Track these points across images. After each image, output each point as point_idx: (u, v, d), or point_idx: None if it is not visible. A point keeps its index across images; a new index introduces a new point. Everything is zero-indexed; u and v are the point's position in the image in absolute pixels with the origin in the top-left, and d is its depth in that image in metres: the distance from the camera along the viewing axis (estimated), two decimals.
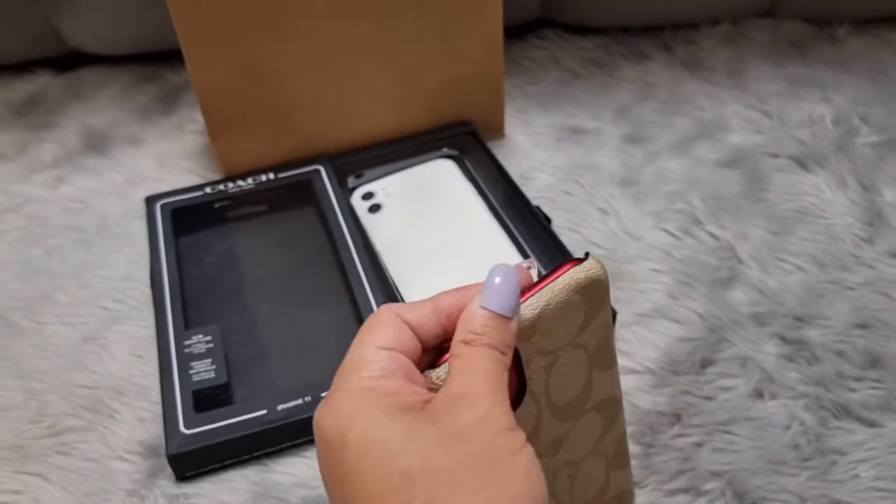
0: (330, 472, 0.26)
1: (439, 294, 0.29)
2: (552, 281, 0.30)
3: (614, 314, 0.54)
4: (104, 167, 0.70)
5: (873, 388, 0.50)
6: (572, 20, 0.84)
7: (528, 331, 0.29)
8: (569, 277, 0.30)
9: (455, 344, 0.27)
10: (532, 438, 0.29)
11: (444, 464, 0.24)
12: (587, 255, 0.31)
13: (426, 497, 0.23)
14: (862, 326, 0.54)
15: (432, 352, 0.30)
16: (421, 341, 0.28)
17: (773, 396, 0.50)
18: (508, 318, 0.27)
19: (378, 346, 0.27)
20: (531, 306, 0.29)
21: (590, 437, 0.35)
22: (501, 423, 0.25)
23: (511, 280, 0.28)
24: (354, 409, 0.26)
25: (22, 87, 0.80)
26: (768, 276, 0.58)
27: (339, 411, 0.26)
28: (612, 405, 0.36)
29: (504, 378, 0.27)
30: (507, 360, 0.27)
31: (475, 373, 0.26)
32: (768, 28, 0.83)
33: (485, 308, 0.27)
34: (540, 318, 0.30)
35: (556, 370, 0.31)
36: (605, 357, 0.34)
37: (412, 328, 0.28)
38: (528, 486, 0.24)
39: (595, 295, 0.31)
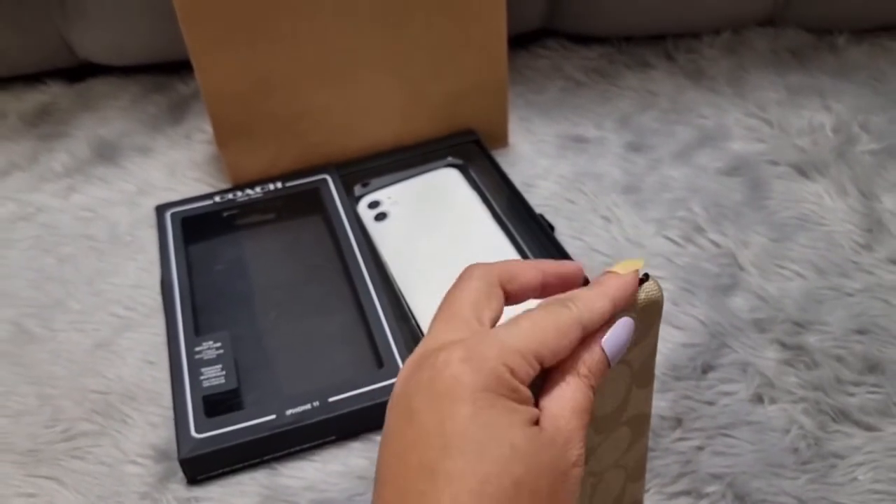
0: (434, 414, 0.25)
1: (585, 303, 0.29)
2: None
3: None
4: (115, 176, 0.71)
5: (872, 392, 0.51)
6: (575, 30, 0.85)
7: None
8: None
9: (569, 371, 0.28)
10: None
11: (534, 485, 0.25)
12: (647, 276, 0.32)
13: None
14: (861, 332, 0.55)
15: None
16: (549, 361, 0.28)
17: (773, 401, 0.51)
18: (609, 367, 0.29)
19: (535, 353, 0.27)
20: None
21: (617, 449, 0.36)
22: (581, 472, 0.27)
23: (630, 333, 0.29)
24: (492, 399, 0.25)
25: (34, 97, 0.81)
26: (769, 282, 0.59)
27: (428, 405, 0.26)
28: (642, 421, 0.36)
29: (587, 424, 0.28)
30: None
31: (579, 408, 0.27)
32: (769, 37, 0.84)
33: (604, 351, 0.28)
34: None
35: (603, 381, 0.32)
36: (645, 375, 0.34)
37: (503, 285, 0.30)
38: None
39: (649, 316, 0.32)
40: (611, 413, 0.34)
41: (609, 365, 0.29)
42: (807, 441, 0.49)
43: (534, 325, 0.28)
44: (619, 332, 0.29)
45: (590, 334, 0.29)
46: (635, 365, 0.33)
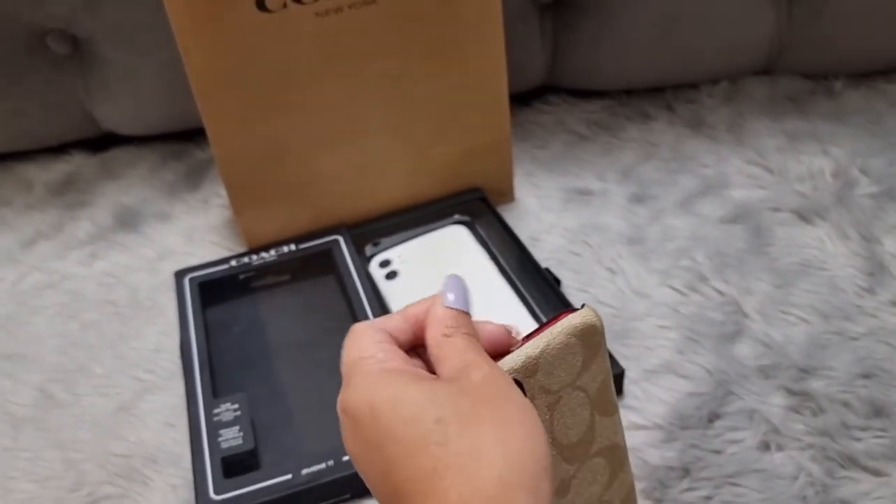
0: (362, 444, 0.29)
1: (406, 307, 0.34)
2: (552, 326, 0.34)
3: (622, 372, 0.56)
4: (136, 243, 0.74)
5: (878, 437, 0.51)
6: (576, 85, 0.88)
7: (531, 368, 0.33)
8: (567, 322, 0.34)
9: (434, 340, 0.32)
10: None
11: (468, 406, 0.28)
12: (583, 305, 0.35)
13: (458, 432, 0.27)
14: (866, 376, 0.55)
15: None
16: (398, 346, 0.33)
17: (780, 448, 0.52)
18: (468, 314, 0.33)
19: (372, 341, 0.32)
20: (533, 346, 0.33)
21: (596, 483, 0.37)
22: (505, 378, 0.30)
23: (462, 283, 0.34)
24: (377, 384, 0.30)
25: (59, 167, 0.85)
26: (773, 328, 0.60)
27: (362, 389, 0.30)
28: (618, 453, 0.37)
29: (486, 355, 0.32)
30: (480, 344, 0.32)
31: (466, 350, 0.31)
32: (766, 85, 0.86)
33: (450, 307, 0.33)
34: (541, 356, 0.33)
35: (560, 410, 0.34)
36: (605, 402, 0.36)
37: (389, 333, 0.33)
38: (531, 419, 0.29)
39: (591, 340, 0.34)
40: (577, 442, 0.35)
41: (466, 312, 0.33)
42: (815, 488, 0.49)
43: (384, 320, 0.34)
44: (448, 283, 0.34)
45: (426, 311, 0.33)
46: (591, 391, 0.35)
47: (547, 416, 0.34)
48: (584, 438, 0.35)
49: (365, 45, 0.62)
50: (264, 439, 0.54)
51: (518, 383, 0.32)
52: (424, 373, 0.31)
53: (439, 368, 0.31)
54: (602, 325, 0.35)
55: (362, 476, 0.31)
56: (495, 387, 0.30)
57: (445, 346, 0.32)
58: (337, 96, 0.63)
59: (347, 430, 0.31)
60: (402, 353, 0.32)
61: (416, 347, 0.34)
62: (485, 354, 0.31)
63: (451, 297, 0.33)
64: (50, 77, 0.78)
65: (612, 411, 0.37)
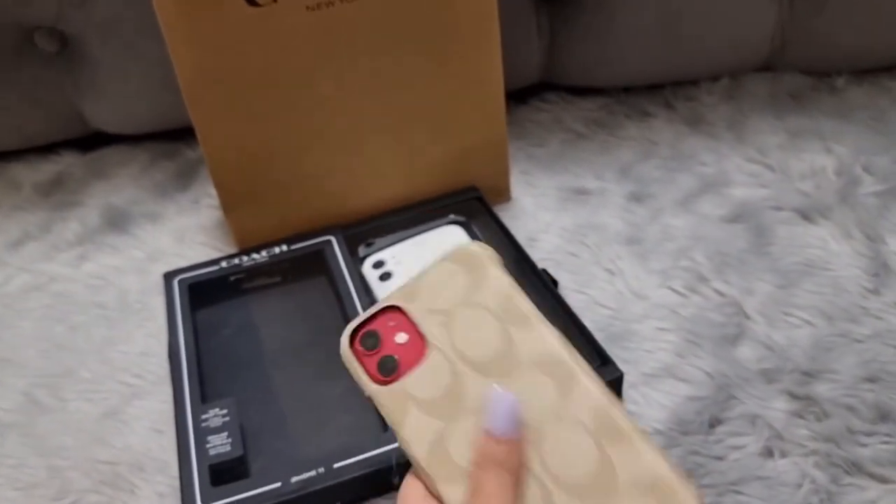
0: None
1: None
2: None
3: (621, 376, 0.54)
4: (125, 244, 0.73)
5: (884, 442, 0.50)
6: (574, 82, 0.86)
7: (410, 294, 0.36)
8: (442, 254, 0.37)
9: (471, 470, 0.30)
10: (452, 393, 0.34)
11: None
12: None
13: None
14: (871, 380, 0.54)
15: None
16: None
17: (784, 454, 0.50)
18: (512, 442, 0.30)
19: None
20: (411, 276, 0.36)
21: (543, 398, 0.34)
22: None
23: (509, 404, 0.31)
24: None
25: (48, 167, 0.83)
26: (775, 330, 0.58)
27: None
28: (564, 367, 0.34)
29: (513, 494, 0.29)
30: (516, 478, 0.30)
31: (488, 497, 0.29)
32: (767, 81, 0.85)
33: (489, 432, 0.30)
34: (418, 282, 0.36)
35: (456, 326, 0.35)
36: (517, 316, 0.35)
37: None
38: None
39: (471, 262, 0.37)
40: (494, 356, 0.35)
41: (507, 444, 0.30)
42: (819, 496, 0.48)
43: None
44: (492, 406, 0.31)
45: None
46: (493, 307, 0.36)
47: (444, 333, 0.35)
48: (501, 352, 0.35)
49: (358, 41, 0.60)
50: (254, 445, 0.53)
51: (402, 311, 0.35)
52: None
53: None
54: (482, 249, 0.37)
55: None
56: None
57: (471, 478, 0.30)
58: (329, 93, 0.62)
59: None
60: None
61: None
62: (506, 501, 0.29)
63: (488, 418, 0.31)
64: (38, 74, 0.77)
65: (532, 324, 0.35)
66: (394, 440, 0.50)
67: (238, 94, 0.60)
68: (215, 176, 0.64)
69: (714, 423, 0.52)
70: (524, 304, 0.36)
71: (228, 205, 0.66)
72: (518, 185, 0.75)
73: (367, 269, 0.65)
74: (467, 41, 0.63)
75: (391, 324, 0.37)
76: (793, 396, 0.54)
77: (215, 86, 0.59)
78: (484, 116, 0.68)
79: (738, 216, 0.69)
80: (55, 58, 0.77)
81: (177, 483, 0.52)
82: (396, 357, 0.36)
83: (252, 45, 0.58)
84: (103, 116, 0.81)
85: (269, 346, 0.61)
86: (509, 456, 0.30)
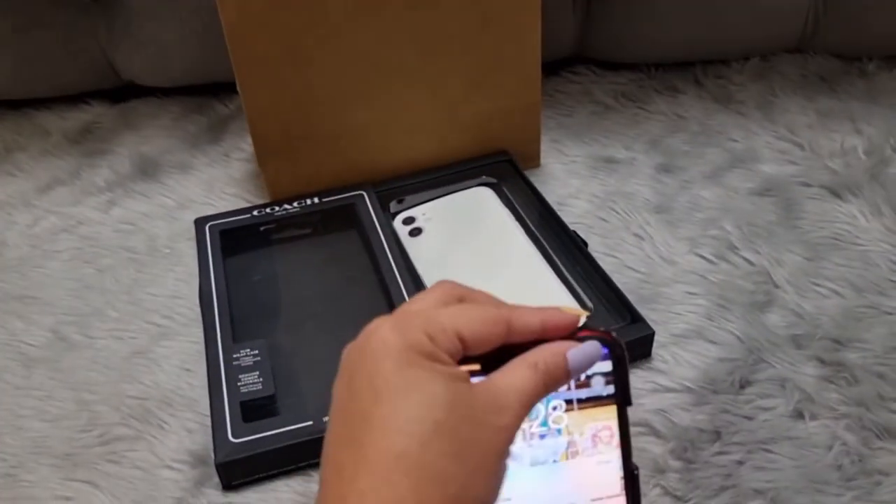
0: (353, 402, 0.29)
1: (519, 312, 0.31)
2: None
3: (652, 334, 0.54)
4: (154, 191, 0.73)
5: None
6: (605, 56, 0.86)
7: None
8: None
9: (525, 358, 0.30)
10: None
11: (464, 436, 0.27)
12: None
13: (442, 451, 0.27)
14: None
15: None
16: (472, 345, 0.30)
17: (814, 417, 0.50)
18: (568, 379, 0.31)
19: (456, 332, 0.29)
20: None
21: None
22: (509, 445, 0.29)
23: (595, 360, 0.32)
24: (410, 366, 0.28)
25: (77, 116, 0.83)
26: (805, 299, 0.58)
27: (401, 354, 0.28)
28: None
29: (529, 410, 0.30)
30: (539, 399, 0.30)
31: (524, 397, 0.29)
32: (798, 63, 0.85)
33: (568, 364, 0.31)
34: None
35: None
36: None
37: (479, 338, 0.30)
38: (494, 489, 0.28)
39: None
40: None
41: (568, 376, 0.31)
42: (850, 458, 0.48)
43: (462, 310, 0.30)
44: (585, 348, 0.31)
45: (556, 340, 0.31)
46: None
47: None
48: None
49: None
50: (283, 387, 0.53)
51: None
52: (460, 374, 0.29)
53: (502, 369, 0.30)
54: None
55: (331, 411, 0.30)
56: (498, 444, 0.28)
57: (521, 372, 0.30)
58: (370, 45, 0.62)
59: (341, 379, 0.30)
60: (458, 354, 0.30)
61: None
62: (527, 410, 0.29)
63: (577, 360, 0.31)
64: (73, 21, 0.77)
65: None
66: None
67: (280, 41, 0.60)
68: (252, 123, 0.64)
69: (744, 384, 0.53)
70: None
71: (263, 154, 0.66)
72: (548, 153, 0.75)
73: (397, 224, 0.66)
74: (510, 2, 0.63)
75: None
76: (822, 362, 0.54)
77: (258, 31, 0.59)
78: (520, 79, 0.68)
79: (767, 190, 0.69)
80: (91, 5, 0.77)
81: (205, 420, 0.52)
82: None
83: None
84: (136, 68, 0.81)
85: (299, 294, 0.61)
86: (558, 384, 0.31)
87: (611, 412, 0.33)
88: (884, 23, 0.82)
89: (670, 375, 0.53)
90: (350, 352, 0.31)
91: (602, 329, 0.33)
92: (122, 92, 0.85)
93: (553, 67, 0.85)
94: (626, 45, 0.85)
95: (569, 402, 0.33)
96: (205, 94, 0.84)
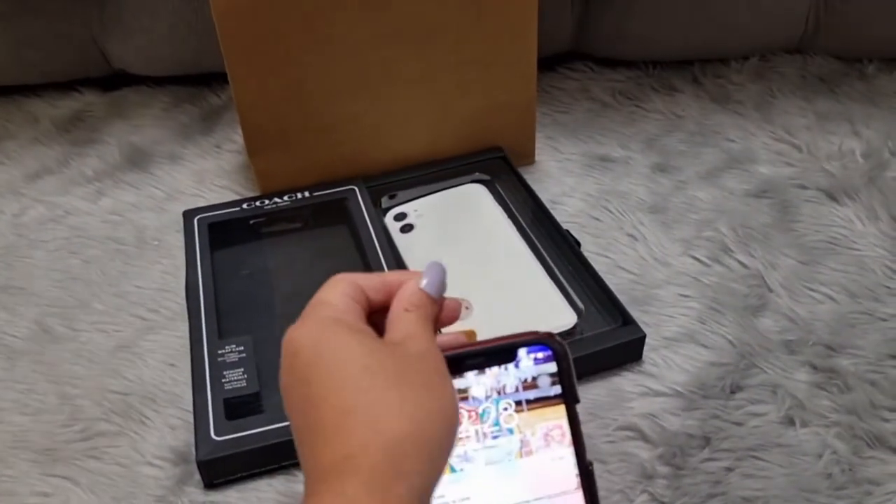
0: (295, 377, 0.31)
1: (387, 272, 0.37)
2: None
3: (643, 337, 0.53)
4: (144, 182, 0.72)
5: None
6: (603, 53, 0.85)
7: None
8: None
9: (396, 311, 0.34)
10: None
11: (397, 368, 0.30)
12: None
13: (380, 385, 0.29)
14: (895, 357, 0.53)
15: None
16: (368, 303, 0.35)
17: (805, 424, 0.50)
18: (435, 301, 0.35)
19: (341, 293, 0.33)
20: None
21: None
22: (439, 358, 0.32)
23: (442, 272, 0.35)
24: (327, 329, 0.31)
25: (67, 104, 0.82)
26: (798, 304, 0.58)
27: (313, 330, 0.31)
28: None
29: (433, 337, 0.33)
30: (433, 327, 0.34)
31: (416, 326, 0.33)
32: (797, 64, 0.84)
33: (423, 289, 0.34)
34: None
35: None
36: None
37: (363, 290, 0.34)
38: (449, 398, 0.30)
39: None
40: None
41: (435, 299, 0.35)
42: (841, 466, 0.47)
43: (357, 277, 0.35)
44: (429, 268, 0.35)
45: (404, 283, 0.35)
46: None
47: None
48: None
49: None
50: (268, 384, 0.52)
51: None
52: (370, 331, 0.33)
53: (388, 335, 0.33)
54: None
55: (286, 411, 0.31)
56: (427, 362, 0.31)
57: (402, 318, 0.33)
58: (364, 37, 0.61)
59: (286, 363, 0.32)
60: (360, 312, 0.34)
61: (377, 312, 0.35)
62: (431, 335, 0.33)
63: (426, 280, 0.35)
64: (63, 7, 0.76)
65: None
66: None
67: (271, 31, 0.59)
68: (243, 115, 0.63)
69: (735, 389, 0.52)
70: None
71: (253, 146, 0.65)
72: (542, 150, 0.74)
73: (388, 220, 0.65)
74: None
75: None
76: (815, 368, 0.53)
77: (248, 20, 0.58)
78: (515, 75, 0.67)
79: (764, 192, 0.69)
80: None
81: (188, 416, 0.51)
82: None
83: None
84: (127, 56, 0.80)
85: (287, 290, 0.60)
86: (432, 309, 0.34)
87: (560, 412, 0.34)
88: (884, 25, 0.81)
89: (660, 379, 0.53)
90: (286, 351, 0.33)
91: (544, 331, 0.35)
92: (113, 80, 0.84)
93: (549, 63, 0.84)
94: (625, 41, 0.84)
95: (518, 403, 0.34)
96: (198, 83, 0.83)
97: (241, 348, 0.53)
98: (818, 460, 0.48)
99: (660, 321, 0.57)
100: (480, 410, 0.34)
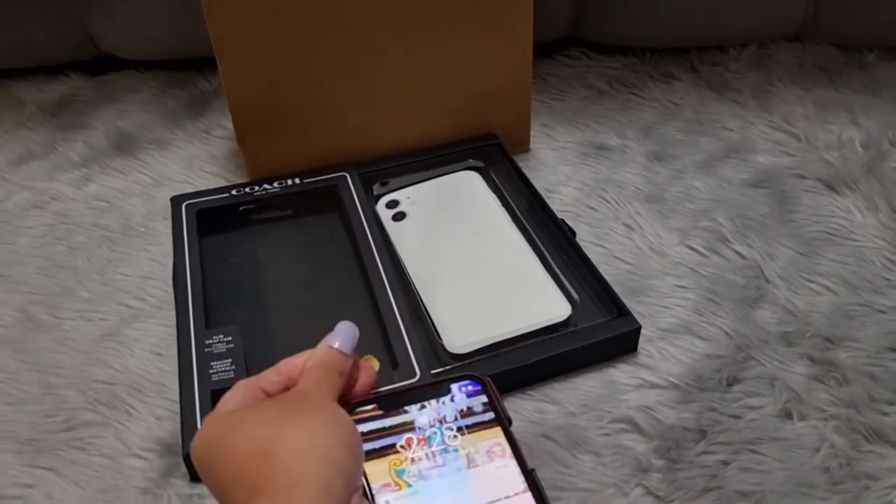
0: (205, 473, 0.33)
1: (280, 361, 0.39)
2: None
3: (639, 328, 0.53)
4: (131, 168, 0.70)
5: None
6: (600, 40, 0.84)
7: None
8: None
9: (308, 368, 0.38)
10: None
11: (278, 407, 0.34)
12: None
13: (266, 423, 0.33)
14: (894, 350, 0.52)
15: None
16: (265, 393, 0.38)
17: (803, 417, 0.49)
18: (347, 357, 0.38)
19: (237, 396, 0.36)
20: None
21: None
22: (326, 399, 0.36)
23: (352, 332, 0.39)
24: (223, 422, 0.34)
25: (54, 88, 0.81)
26: (796, 296, 0.57)
27: (211, 431, 0.34)
28: None
29: (337, 391, 0.37)
30: (344, 381, 0.38)
31: (319, 383, 0.37)
32: (796, 52, 0.83)
33: (332, 347, 0.38)
34: None
35: None
36: None
37: (258, 387, 0.37)
38: (329, 414, 0.34)
39: None
40: None
41: (347, 354, 0.38)
42: (838, 460, 0.46)
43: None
44: (339, 330, 0.39)
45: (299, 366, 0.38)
46: None
47: None
48: None
49: None
50: (255, 374, 0.51)
51: None
52: (263, 396, 0.37)
53: (303, 383, 0.37)
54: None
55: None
56: (310, 395, 0.35)
57: (303, 373, 0.37)
58: (355, 21, 0.60)
59: (199, 470, 0.34)
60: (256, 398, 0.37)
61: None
62: (329, 382, 0.37)
63: (337, 342, 0.38)
64: None
65: None
66: (404, 377, 0.49)
67: (262, 20, 0.58)
68: (232, 100, 0.62)
69: (731, 381, 0.51)
70: None
71: (243, 132, 0.63)
72: (538, 138, 0.73)
73: (380, 207, 0.64)
74: None
75: None
76: (813, 361, 0.52)
77: (238, 6, 0.57)
78: (510, 62, 0.66)
79: (762, 182, 0.68)
80: None
81: (175, 407, 0.50)
82: None
83: None
84: (115, 39, 0.78)
85: (277, 279, 0.59)
86: (342, 363, 0.38)
87: (497, 433, 0.39)
88: (885, 13, 0.80)
89: (656, 371, 0.52)
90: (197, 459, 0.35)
91: (468, 373, 0.42)
92: (101, 64, 0.82)
93: (546, 50, 0.83)
94: (621, 28, 0.83)
95: (459, 429, 0.39)
96: (187, 68, 0.81)
97: (230, 338, 0.52)
98: (816, 454, 0.47)
99: (655, 312, 0.56)
100: (427, 436, 0.39)
